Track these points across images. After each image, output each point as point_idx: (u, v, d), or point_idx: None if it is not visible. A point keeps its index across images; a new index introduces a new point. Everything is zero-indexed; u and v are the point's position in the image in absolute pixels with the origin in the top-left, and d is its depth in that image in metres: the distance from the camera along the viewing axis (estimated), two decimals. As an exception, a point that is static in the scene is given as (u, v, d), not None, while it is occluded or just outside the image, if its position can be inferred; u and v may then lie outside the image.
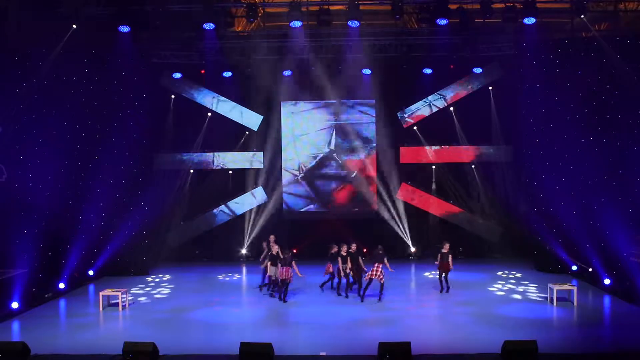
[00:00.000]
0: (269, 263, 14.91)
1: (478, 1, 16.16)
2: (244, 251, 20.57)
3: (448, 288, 15.48)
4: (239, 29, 19.24)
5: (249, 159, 21.01)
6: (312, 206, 20.99)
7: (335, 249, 15.13)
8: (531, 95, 17.75)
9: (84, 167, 17.23)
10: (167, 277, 18.16)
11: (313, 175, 20.98)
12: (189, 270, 19.13)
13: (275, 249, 14.61)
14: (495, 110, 19.46)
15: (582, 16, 16.50)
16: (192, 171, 20.91)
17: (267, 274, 15.24)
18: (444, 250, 15.41)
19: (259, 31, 18.82)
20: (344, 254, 14.68)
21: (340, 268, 14.75)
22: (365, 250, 20.26)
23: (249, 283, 17.10)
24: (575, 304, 14.00)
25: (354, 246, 14.84)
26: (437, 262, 15.55)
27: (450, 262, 15.34)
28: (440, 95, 20.47)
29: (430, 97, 20.46)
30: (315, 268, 16.29)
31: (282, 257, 14.24)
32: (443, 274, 15.44)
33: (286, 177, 21.01)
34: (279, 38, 18.42)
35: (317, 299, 14.93)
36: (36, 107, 16.00)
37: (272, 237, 15.68)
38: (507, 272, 18.01)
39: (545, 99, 17.38)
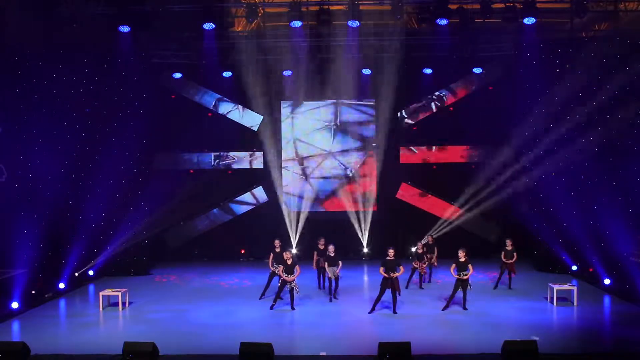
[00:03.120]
0: (326, 264, 14.70)
1: (478, 1, 16.17)
2: (365, 250, 20.39)
3: (510, 284, 15.79)
4: (239, 29, 19.25)
5: (249, 159, 21.02)
6: (312, 206, 20.97)
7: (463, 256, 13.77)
8: (531, 95, 17.75)
9: (84, 167, 17.23)
10: (167, 277, 18.16)
11: (313, 175, 20.98)
12: (189, 270, 19.13)
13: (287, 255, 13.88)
14: (495, 110, 19.44)
15: (582, 16, 16.52)
16: (192, 171, 20.92)
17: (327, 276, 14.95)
18: (507, 248, 15.63)
19: (259, 31, 18.83)
20: (463, 259, 13.54)
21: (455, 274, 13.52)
22: (365, 251, 20.33)
23: (249, 282, 17.10)
24: (575, 304, 14.01)
25: (391, 252, 13.23)
26: (504, 260, 15.72)
27: (514, 258, 15.58)
28: (440, 95, 20.47)
29: (430, 97, 20.45)
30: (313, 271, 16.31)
31: (288, 264, 13.72)
32: (506, 271, 15.71)
33: (286, 177, 21.01)
34: (279, 38, 18.44)
35: (317, 299, 14.92)
36: (36, 107, 16.01)
37: (277, 242, 15.11)
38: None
39: (545, 99, 17.38)
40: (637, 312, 13.56)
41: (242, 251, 20.95)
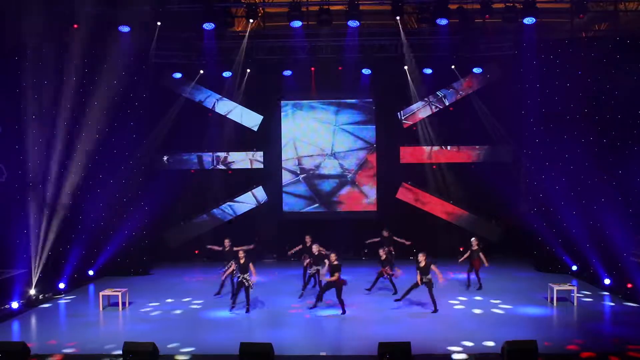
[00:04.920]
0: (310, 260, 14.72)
1: (478, 1, 16.17)
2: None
3: (480, 285, 15.67)
4: (239, 29, 19.25)
5: (249, 159, 21.01)
6: (312, 206, 20.99)
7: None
8: (531, 95, 17.75)
9: (84, 167, 17.23)
10: (167, 277, 18.16)
11: (313, 175, 20.98)
12: (189, 270, 19.11)
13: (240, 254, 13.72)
14: (495, 110, 19.46)
15: (582, 16, 16.53)
16: (192, 171, 20.92)
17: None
18: (473, 248, 15.57)
19: (259, 31, 18.83)
20: (423, 262, 13.53)
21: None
22: (366, 251, 20.33)
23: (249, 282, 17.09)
24: (575, 304, 14.01)
25: (333, 256, 13.45)
26: (467, 260, 15.72)
27: (483, 259, 15.42)
28: (441, 95, 20.47)
29: (430, 97, 20.47)
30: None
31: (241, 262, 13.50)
32: (473, 271, 15.66)
33: (286, 177, 21.00)
34: (279, 38, 18.44)
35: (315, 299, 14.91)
36: (36, 107, 16.02)
37: (227, 242, 15.22)
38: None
39: (545, 99, 17.39)
40: (637, 312, 13.56)
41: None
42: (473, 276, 15.85)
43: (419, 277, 13.44)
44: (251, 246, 15.56)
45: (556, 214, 17.29)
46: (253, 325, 12.84)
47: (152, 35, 17.68)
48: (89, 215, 17.27)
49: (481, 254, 15.48)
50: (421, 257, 13.53)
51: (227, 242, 15.17)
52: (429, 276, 13.44)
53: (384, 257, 15.20)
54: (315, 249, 14.78)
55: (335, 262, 13.38)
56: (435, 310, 13.40)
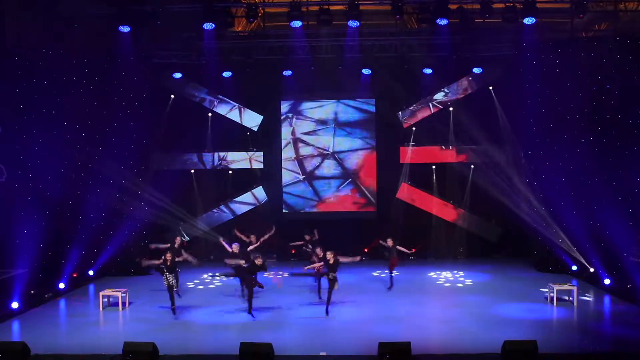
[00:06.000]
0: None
1: (478, 1, 16.17)
2: (365, 250, 19.54)
3: (391, 285, 15.52)
4: (239, 29, 19.26)
5: (249, 159, 21.02)
6: (311, 206, 20.98)
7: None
8: (531, 95, 17.75)
9: (84, 167, 17.23)
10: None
11: (313, 175, 20.99)
12: (188, 270, 19.07)
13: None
14: (495, 110, 19.46)
15: (582, 16, 16.53)
16: (192, 171, 20.93)
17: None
18: (389, 245, 15.35)
19: (258, 31, 18.83)
20: (332, 260, 13.36)
21: None
22: (366, 250, 20.35)
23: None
24: (575, 304, 14.01)
25: (235, 246, 13.96)
26: (386, 259, 15.55)
27: (404, 250, 15.39)
28: (440, 95, 20.47)
29: (430, 97, 20.46)
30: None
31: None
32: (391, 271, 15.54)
33: (286, 177, 21.01)
34: (279, 38, 18.45)
35: (316, 299, 14.91)
36: (36, 107, 16.02)
37: (178, 239, 15.28)
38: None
39: (545, 99, 17.38)
40: (637, 312, 13.57)
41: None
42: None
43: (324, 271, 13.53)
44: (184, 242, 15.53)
45: (556, 214, 17.28)
46: (253, 325, 12.84)
47: (152, 35, 17.66)
48: (89, 215, 17.25)
49: (399, 247, 15.32)
50: (329, 255, 13.32)
51: (178, 240, 15.23)
52: (335, 274, 13.30)
53: (321, 255, 14.61)
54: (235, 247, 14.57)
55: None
56: (327, 314, 13.27)
